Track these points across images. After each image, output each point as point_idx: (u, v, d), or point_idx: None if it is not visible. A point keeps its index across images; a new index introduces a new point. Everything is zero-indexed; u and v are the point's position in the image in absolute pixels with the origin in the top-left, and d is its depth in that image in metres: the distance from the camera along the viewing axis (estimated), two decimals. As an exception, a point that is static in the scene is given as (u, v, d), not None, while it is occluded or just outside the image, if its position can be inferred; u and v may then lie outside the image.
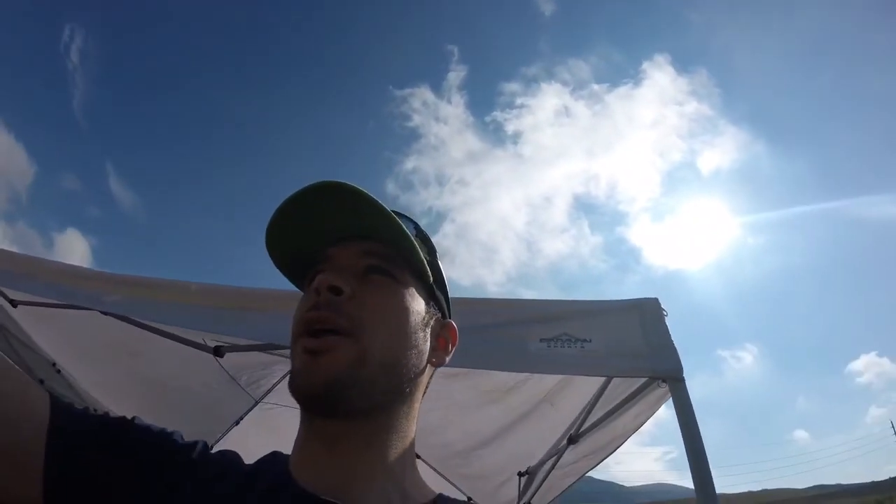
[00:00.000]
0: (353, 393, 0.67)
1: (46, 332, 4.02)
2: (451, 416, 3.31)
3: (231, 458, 0.76)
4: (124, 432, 0.70)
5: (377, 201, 0.72)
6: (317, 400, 0.68)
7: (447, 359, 0.83)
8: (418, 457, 0.85)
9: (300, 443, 0.74)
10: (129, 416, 0.74)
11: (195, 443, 0.75)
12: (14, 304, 3.62)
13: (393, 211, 0.75)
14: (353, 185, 0.71)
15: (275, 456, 0.76)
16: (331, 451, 0.70)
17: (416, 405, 0.78)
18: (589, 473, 3.55)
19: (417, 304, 0.77)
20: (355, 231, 0.76)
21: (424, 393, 0.82)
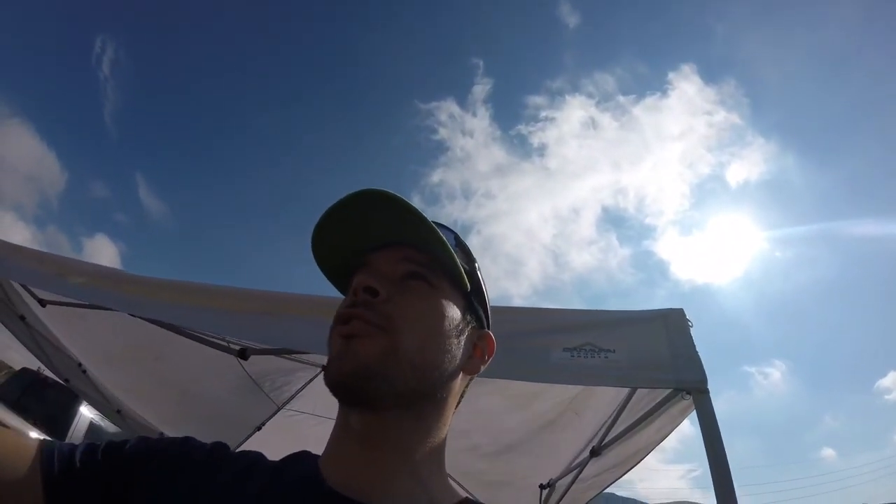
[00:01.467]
0: (381, 385, 0.67)
1: (73, 332, 4.08)
2: (476, 421, 3.31)
3: (254, 456, 0.77)
4: (128, 451, 0.72)
5: (416, 210, 0.74)
6: (345, 386, 0.69)
7: (483, 367, 0.83)
8: None
9: (332, 440, 0.75)
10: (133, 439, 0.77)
11: (210, 444, 0.77)
12: (43, 303, 3.67)
13: (433, 221, 0.77)
14: (393, 193, 0.73)
15: (304, 454, 0.78)
16: (360, 448, 0.71)
17: (449, 412, 0.79)
18: (612, 490, 3.51)
19: (452, 311, 0.77)
20: (396, 238, 0.79)
21: (459, 402, 0.83)
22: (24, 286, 3.63)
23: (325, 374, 0.71)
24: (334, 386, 0.69)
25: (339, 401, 0.72)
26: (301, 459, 0.76)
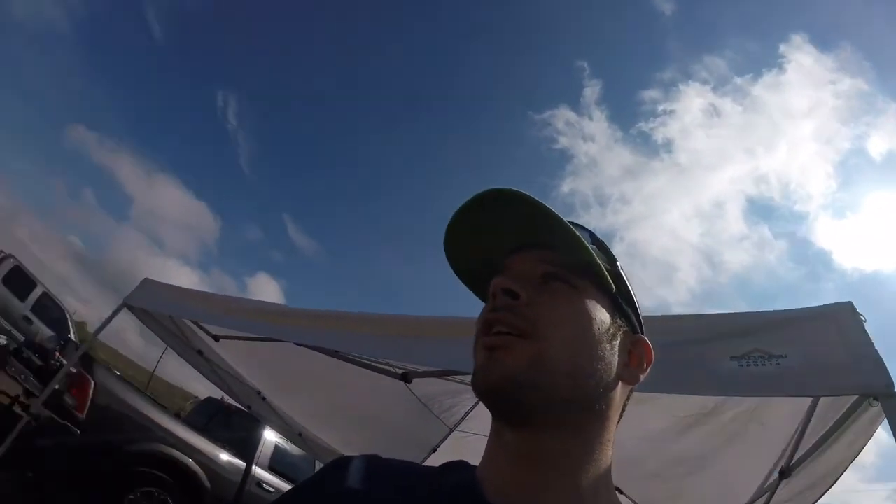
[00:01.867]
0: (531, 395, 0.63)
1: (247, 362, 4.45)
2: (648, 446, 3.11)
3: (408, 466, 0.76)
4: None
5: (547, 207, 0.69)
6: (493, 396, 0.65)
7: (642, 377, 0.75)
8: (619, 491, 0.79)
9: (487, 455, 0.70)
10: None
11: (357, 461, 0.74)
12: (216, 338, 4.05)
13: (567, 220, 0.71)
14: (526, 193, 0.69)
15: (461, 463, 0.74)
16: (516, 466, 0.66)
17: (611, 427, 0.71)
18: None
19: (600, 314, 0.70)
20: (531, 240, 0.74)
21: (621, 417, 0.75)
22: (196, 324, 4.02)
23: (472, 385, 0.68)
24: (482, 395, 0.66)
25: (490, 410, 0.68)
26: (459, 468, 0.73)
